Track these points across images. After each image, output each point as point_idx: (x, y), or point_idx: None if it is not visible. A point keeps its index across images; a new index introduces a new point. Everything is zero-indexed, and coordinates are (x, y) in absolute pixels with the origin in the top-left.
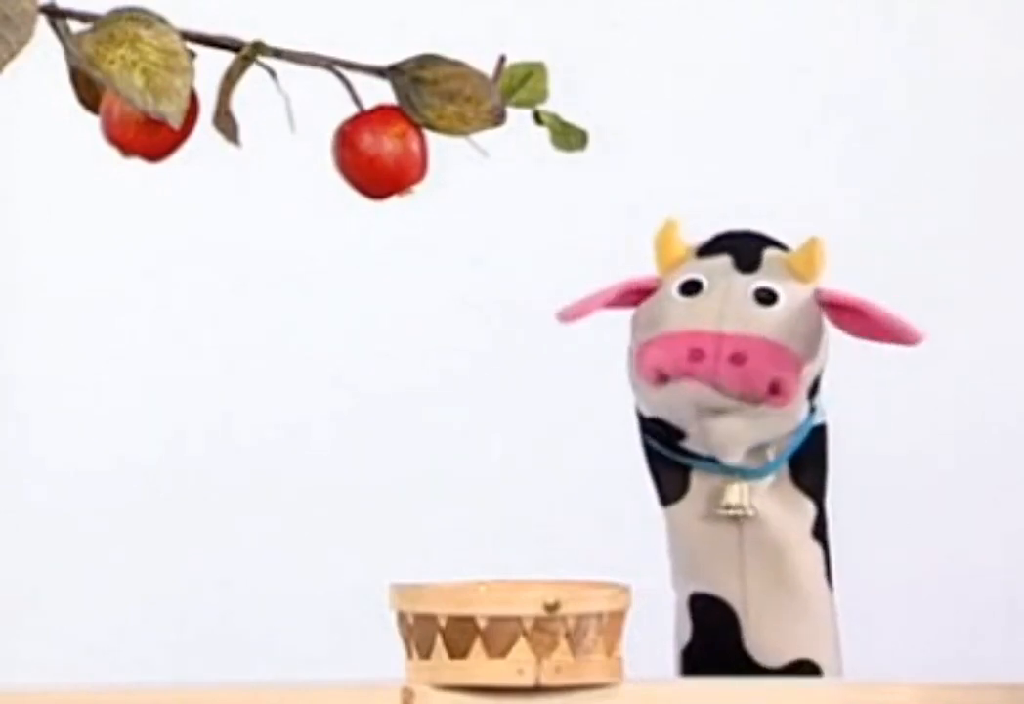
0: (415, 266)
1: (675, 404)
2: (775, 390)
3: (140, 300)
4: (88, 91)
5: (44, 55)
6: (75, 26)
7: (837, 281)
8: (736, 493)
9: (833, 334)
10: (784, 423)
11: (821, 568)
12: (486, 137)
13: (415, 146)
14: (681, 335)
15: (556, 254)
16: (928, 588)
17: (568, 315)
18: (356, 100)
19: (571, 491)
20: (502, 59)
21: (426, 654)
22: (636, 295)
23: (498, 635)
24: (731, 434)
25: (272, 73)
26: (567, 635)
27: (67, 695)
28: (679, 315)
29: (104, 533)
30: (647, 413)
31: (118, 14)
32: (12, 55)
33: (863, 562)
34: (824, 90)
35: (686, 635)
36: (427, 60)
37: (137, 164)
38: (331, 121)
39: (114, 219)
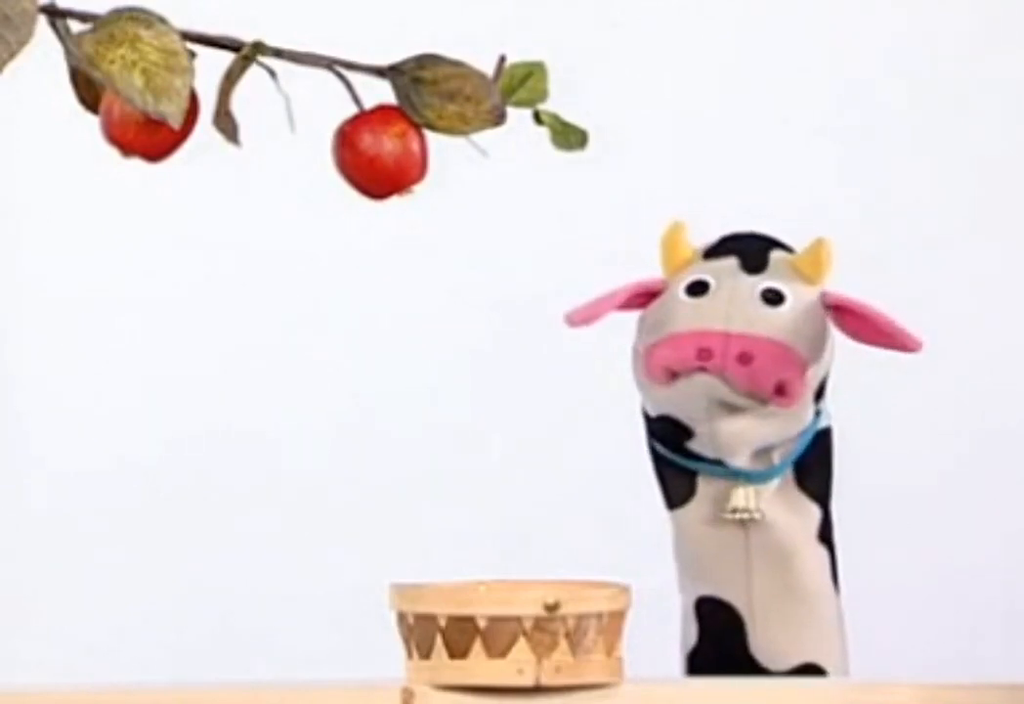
0: (415, 266)
1: (686, 399)
2: (781, 391)
3: (140, 300)
4: (88, 91)
5: (44, 55)
6: (75, 26)
7: (837, 282)
8: (742, 497)
9: (838, 337)
10: (791, 425)
11: (827, 572)
12: (486, 137)
13: (415, 146)
14: (688, 335)
15: (556, 254)
16: (928, 588)
17: (577, 319)
18: (356, 100)
19: (571, 491)
20: (502, 59)
21: (426, 654)
22: (643, 297)
23: (498, 635)
24: (739, 434)
25: (272, 73)
26: (567, 635)
27: (67, 695)
28: (686, 315)
29: (104, 533)
30: (654, 412)
31: (118, 14)
32: (12, 55)
33: (863, 562)
34: (824, 90)
35: (692, 639)
36: (427, 60)
37: (137, 164)
38: (331, 121)
39: (114, 219)
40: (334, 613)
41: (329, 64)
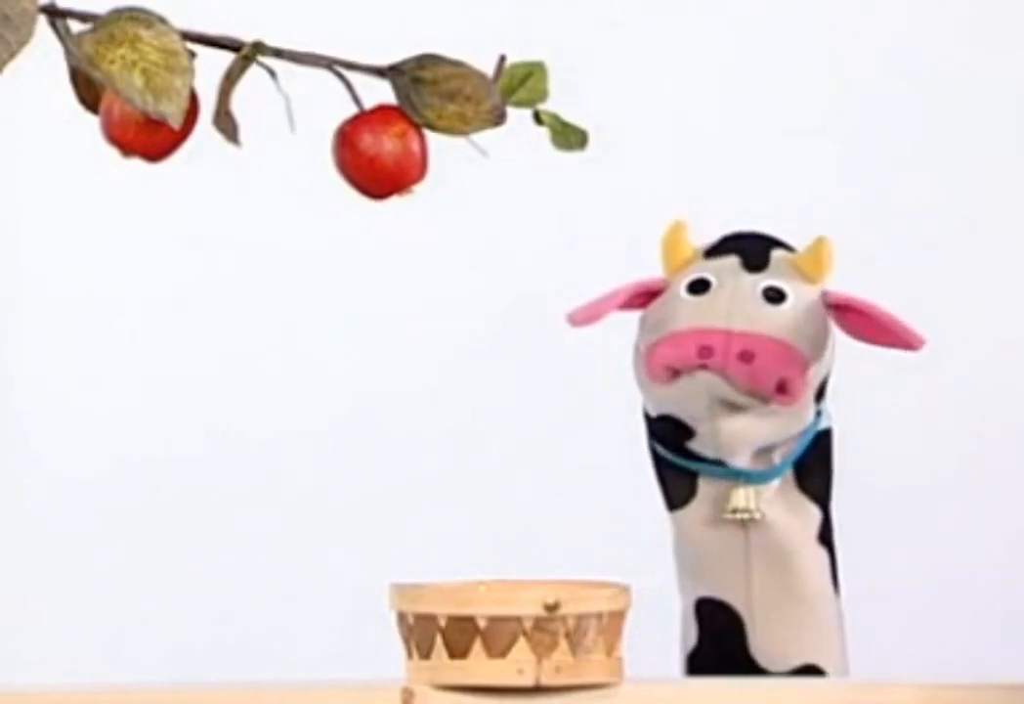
0: (415, 266)
1: (687, 398)
2: (782, 389)
3: (140, 300)
4: (88, 91)
5: (44, 55)
6: (75, 26)
7: (838, 281)
8: (743, 497)
9: (839, 338)
10: (792, 425)
11: (827, 573)
12: (486, 137)
13: (415, 146)
14: (690, 333)
15: (556, 254)
16: (928, 588)
17: (579, 319)
18: (356, 100)
19: (571, 491)
20: (502, 59)
21: (426, 654)
22: (644, 297)
23: (498, 635)
24: (740, 433)
25: (272, 73)
26: (567, 635)
27: (67, 695)
28: (688, 314)
29: (104, 533)
30: (655, 412)
31: (118, 14)
32: (12, 55)
33: (863, 562)
34: (824, 90)
35: (692, 640)
36: (427, 60)
37: (137, 164)
38: (331, 121)
39: (114, 219)
40: (334, 613)
41: (329, 64)
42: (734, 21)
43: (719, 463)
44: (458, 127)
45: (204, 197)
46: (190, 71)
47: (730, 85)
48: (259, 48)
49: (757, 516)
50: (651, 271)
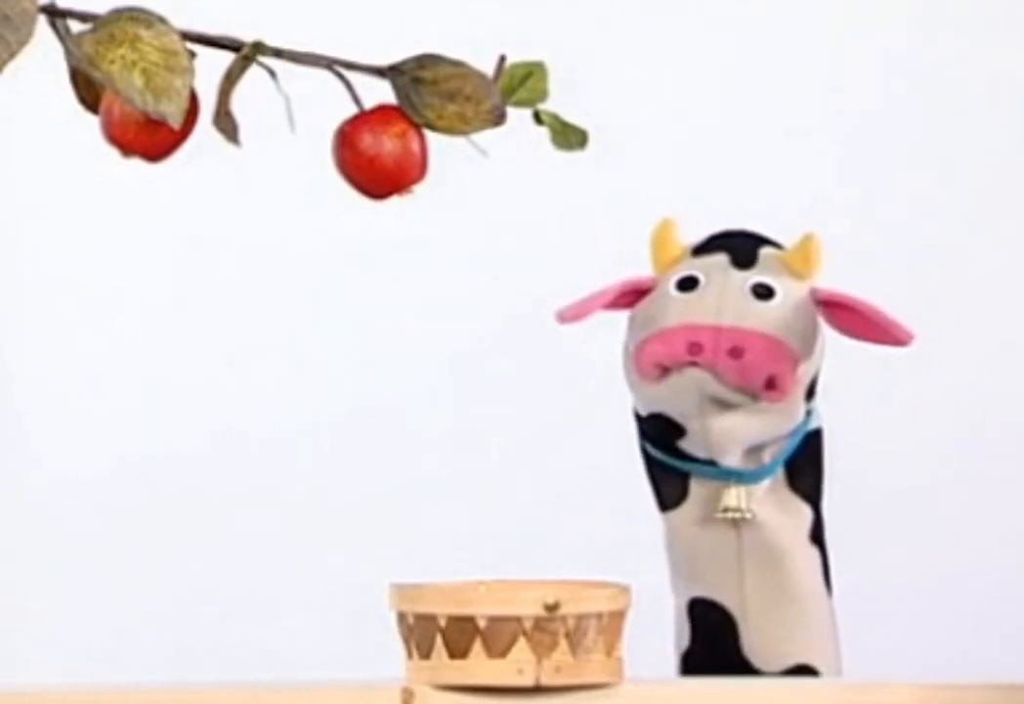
0: (415, 266)
1: (677, 395)
2: (772, 385)
3: (140, 300)
4: (88, 91)
5: (44, 55)
6: (75, 26)
7: (836, 281)
8: (734, 496)
9: (829, 336)
10: (782, 423)
11: (819, 573)
12: (486, 137)
13: (415, 146)
14: (679, 329)
15: (556, 254)
16: (928, 588)
17: (567, 316)
18: (356, 100)
19: (571, 491)
20: (502, 59)
21: (426, 654)
22: (633, 295)
23: (498, 635)
24: (731, 431)
25: (272, 73)
26: (567, 635)
27: (67, 695)
28: (676, 311)
29: (104, 533)
30: (645, 411)
31: (118, 14)
32: (12, 55)
33: (863, 562)
34: (823, 90)
35: (685, 640)
36: (427, 60)
37: (137, 164)
38: (331, 121)
39: (114, 219)
40: (334, 613)
41: (329, 64)
42: (734, 21)
43: (710, 463)
44: (458, 127)
45: (204, 197)
46: (190, 71)
47: (730, 85)
48: (259, 48)
49: (748, 516)
50: (651, 271)
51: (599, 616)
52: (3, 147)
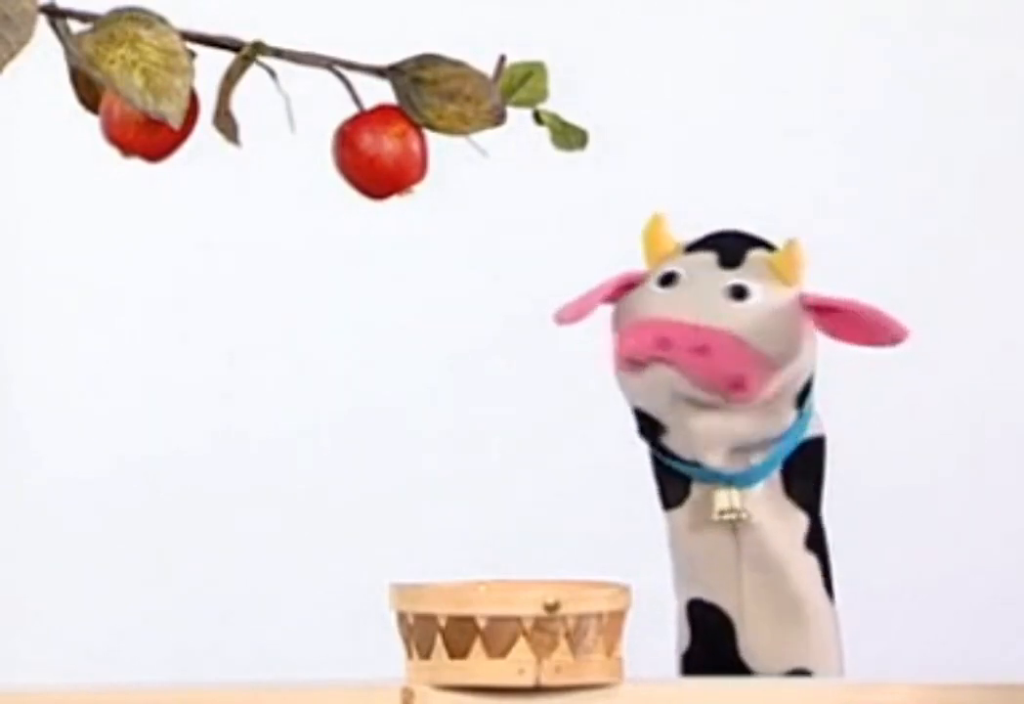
0: (415, 266)
1: (651, 391)
2: (737, 386)
3: (140, 300)
4: (88, 91)
5: (44, 55)
6: (75, 26)
7: (836, 281)
8: (725, 498)
9: (828, 343)
10: (766, 426)
11: (817, 579)
12: (486, 137)
13: (415, 146)
14: (650, 323)
15: (556, 254)
16: (928, 588)
17: (567, 316)
18: (356, 100)
19: (571, 491)
20: (502, 59)
21: (426, 654)
22: (630, 289)
23: (498, 635)
24: (707, 431)
25: (272, 73)
26: (567, 635)
27: (67, 695)
28: (652, 304)
29: (104, 533)
30: (630, 404)
31: (118, 14)
32: (12, 55)
33: (862, 562)
34: (824, 90)
35: (686, 641)
36: (427, 60)
37: (137, 164)
38: (331, 121)
39: (114, 219)
40: (334, 613)
41: (329, 64)
42: (734, 21)
43: (696, 464)
44: (458, 127)
45: (204, 197)
46: (190, 71)
47: (730, 85)
48: (259, 48)
49: (743, 516)
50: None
51: (599, 616)
52: (3, 147)
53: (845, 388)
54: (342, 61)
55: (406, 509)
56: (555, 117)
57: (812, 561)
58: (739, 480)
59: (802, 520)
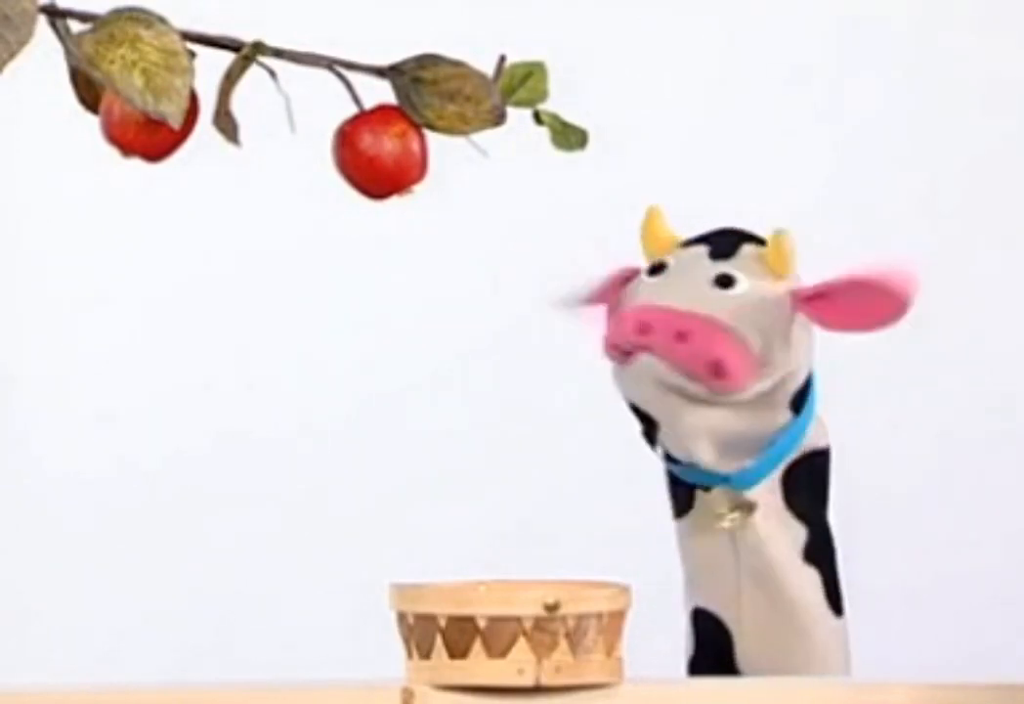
0: (415, 266)
1: (637, 381)
2: (718, 372)
3: (140, 300)
4: (88, 91)
5: (44, 55)
6: (75, 26)
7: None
8: (719, 500)
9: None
10: (755, 423)
11: (818, 592)
12: (486, 137)
13: (415, 146)
14: (634, 310)
15: (556, 253)
16: (928, 588)
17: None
18: (356, 100)
19: (571, 491)
20: (502, 59)
21: (426, 654)
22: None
23: (498, 635)
24: (695, 424)
25: (272, 73)
26: (567, 635)
27: (67, 695)
28: (639, 293)
29: (104, 533)
30: (624, 398)
31: (118, 14)
32: (12, 55)
33: (862, 562)
34: (823, 90)
35: (690, 649)
36: (427, 60)
37: (137, 164)
38: (331, 121)
39: (114, 219)
40: (334, 613)
41: (329, 64)
42: (734, 21)
43: (693, 465)
44: (458, 127)
45: (204, 197)
46: (190, 71)
47: (730, 85)
48: (259, 48)
49: (735, 519)
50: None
51: (599, 616)
52: (3, 147)
53: (845, 388)
54: (342, 61)
55: (406, 509)
56: (555, 117)
57: (811, 573)
58: (735, 481)
59: (800, 532)
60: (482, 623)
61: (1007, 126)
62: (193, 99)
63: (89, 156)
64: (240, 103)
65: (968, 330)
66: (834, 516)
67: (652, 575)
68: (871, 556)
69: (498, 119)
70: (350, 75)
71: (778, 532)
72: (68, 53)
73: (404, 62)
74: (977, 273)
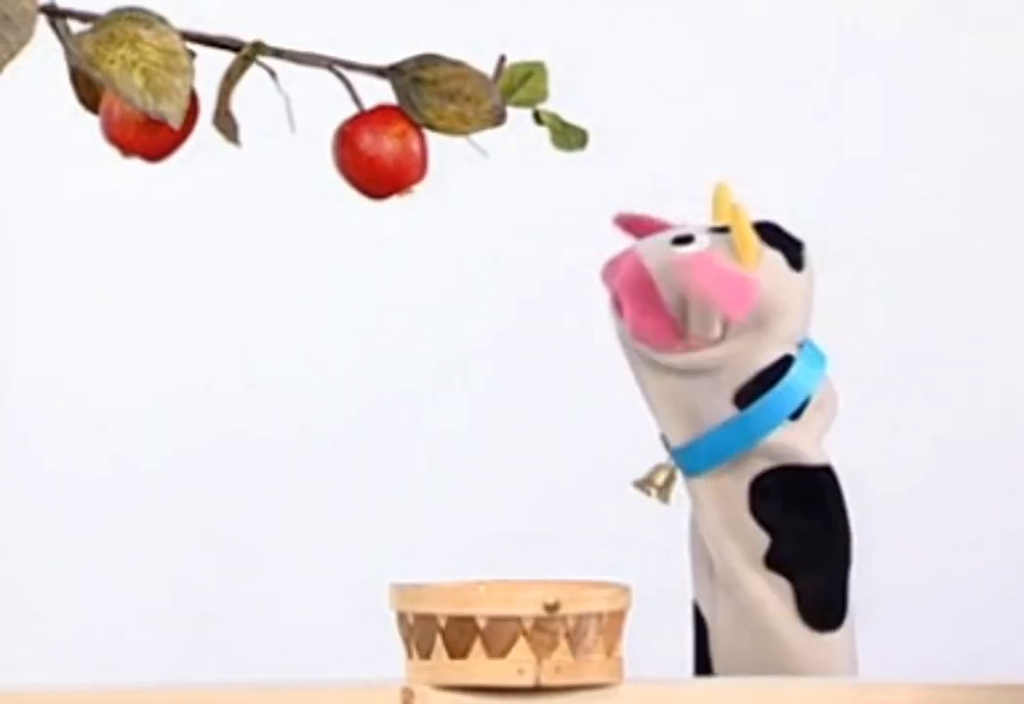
0: (415, 267)
1: (620, 336)
2: (637, 326)
3: (140, 301)
4: (88, 91)
5: (44, 55)
6: (75, 26)
7: (837, 280)
8: (656, 473)
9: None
10: (694, 399)
11: (786, 600)
12: (486, 137)
13: (415, 146)
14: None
15: (556, 254)
16: (928, 588)
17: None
18: (356, 100)
19: (571, 491)
20: (502, 59)
21: (426, 654)
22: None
23: (498, 635)
24: (656, 390)
25: (272, 73)
26: (567, 635)
27: (67, 695)
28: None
29: (104, 533)
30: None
31: (118, 14)
32: (12, 55)
33: (862, 562)
34: (823, 89)
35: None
36: (427, 60)
37: (137, 164)
38: (331, 121)
39: (114, 219)
40: (334, 613)
41: (329, 64)
42: (734, 21)
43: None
44: (458, 127)
45: (204, 197)
46: (190, 71)
47: (730, 85)
48: (259, 48)
49: (650, 493)
50: None
51: (599, 616)
52: (3, 147)
53: (844, 389)
54: (342, 61)
55: (406, 509)
56: (555, 117)
57: (776, 580)
58: (675, 456)
59: (763, 539)
60: (482, 623)
61: (1007, 126)
62: (193, 99)
63: (89, 156)
64: (240, 103)
65: (968, 330)
66: None
67: (652, 575)
68: (871, 556)
69: (498, 119)
70: (350, 75)
71: (735, 533)
72: (68, 53)
73: (404, 62)
74: (977, 273)
